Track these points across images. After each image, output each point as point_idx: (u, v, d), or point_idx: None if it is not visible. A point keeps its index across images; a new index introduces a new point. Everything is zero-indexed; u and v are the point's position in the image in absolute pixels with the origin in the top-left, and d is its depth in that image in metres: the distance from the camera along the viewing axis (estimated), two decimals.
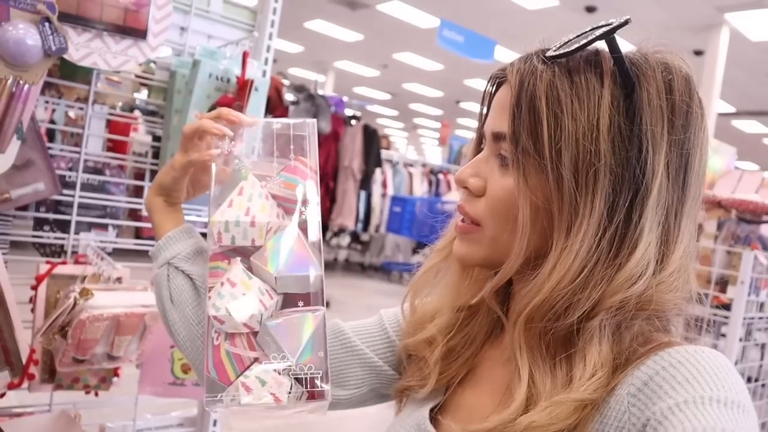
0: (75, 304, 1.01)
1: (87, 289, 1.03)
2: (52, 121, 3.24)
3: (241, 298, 0.63)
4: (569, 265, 0.54)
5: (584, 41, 0.56)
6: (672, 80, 0.56)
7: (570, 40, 0.59)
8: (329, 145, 5.85)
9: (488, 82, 0.67)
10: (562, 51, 0.57)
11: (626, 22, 0.55)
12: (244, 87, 1.21)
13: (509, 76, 0.60)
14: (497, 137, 0.61)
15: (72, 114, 1.67)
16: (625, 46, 0.58)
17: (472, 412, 0.65)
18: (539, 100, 0.55)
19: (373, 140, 6.34)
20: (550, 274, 0.55)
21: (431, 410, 0.68)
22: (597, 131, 0.54)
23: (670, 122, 0.56)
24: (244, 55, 1.22)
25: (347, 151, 6.19)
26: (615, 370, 0.54)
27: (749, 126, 12.22)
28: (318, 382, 0.63)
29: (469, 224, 0.63)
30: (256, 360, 0.63)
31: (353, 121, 6.36)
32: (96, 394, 1.28)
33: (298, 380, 0.63)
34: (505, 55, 9.25)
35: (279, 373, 0.63)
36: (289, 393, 0.62)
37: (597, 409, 0.52)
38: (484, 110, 0.67)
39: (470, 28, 7.52)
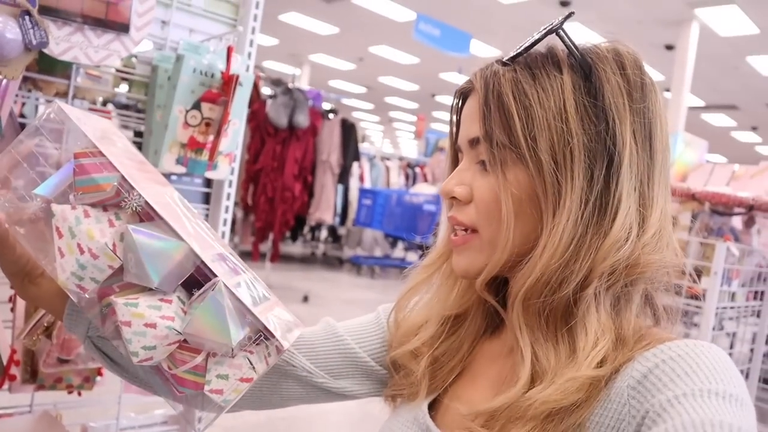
0: None
1: None
2: (22, 115, 3.13)
3: (147, 330, 0.57)
4: (558, 241, 0.57)
5: (536, 37, 0.61)
6: (622, 59, 0.61)
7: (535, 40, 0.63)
8: (307, 138, 5.81)
9: (454, 96, 0.69)
10: (513, 52, 0.62)
11: (569, 15, 0.60)
12: (229, 82, 1.19)
13: (474, 83, 0.62)
14: (473, 143, 0.63)
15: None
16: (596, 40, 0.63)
17: (473, 402, 0.65)
18: (506, 96, 0.59)
19: (351, 134, 6.31)
20: (542, 254, 0.57)
21: (428, 405, 0.69)
22: (565, 113, 0.58)
23: (629, 95, 0.59)
24: (229, 50, 1.20)
25: (325, 145, 6.15)
26: (619, 344, 0.56)
27: (718, 119, 12.50)
28: (267, 343, 0.61)
29: (465, 234, 0.64)
30: (209, 354, 0.60)
31: (331, 115, 6.32)
32: (79, 394, 1.26)
33: (251, 350, 0.61)
34: (481, 49, 9.30)
35: (232, 357, 0.60)
36: (252, 367, 0.61)
37: (605, 387, 0.54)
38: (454, 125, 0.69)
39: (446, 21, 7.53)
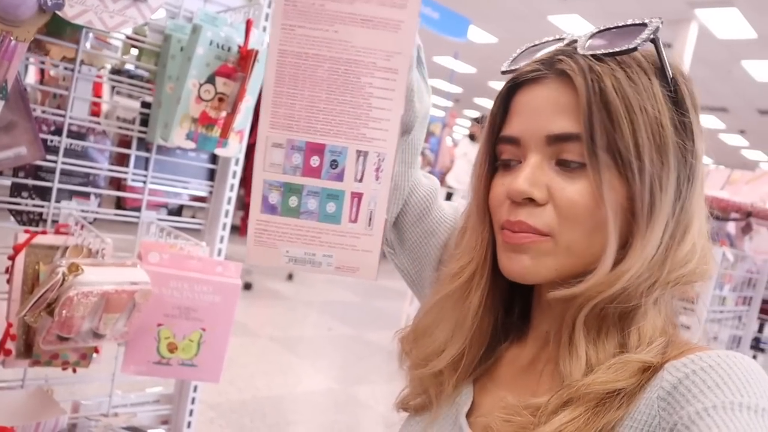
0: (63, 280, 0.95)
1: (76, 264, 0.97)
2: None
3: None
4: (649, 255, 0.56)
5: (638, 41, 0.56)
6: (683, 72, 0.61)
7: (596, 33, 0.59)
8: None
9: (508, 83, 0.63)
10: (616, 49, 0.57)
11: (661, 23, 0.58)
12: (247, 57, 1.14)
13: (573, 75, 0.57)
14: (557, 139, 0.58)
15: (53, 73, 1.57)
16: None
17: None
18: (610, 97, 0.55)
19: None
20: (631, 265, 0.55)
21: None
22: (662, 124, 0.56)
23: (695, 111, 0.60)
24: (248, 24, 1.15)
25: None
26: (669, 345, 0.56)
27: (707, 121, 12.58)
28: None
29: (532, 235, 0.58)
30: None
31: None
32: (74, 371, 1.22)
33: None
34: (478, 36, 9.22)
35: None
36: None
37: (655, 374, 0.53)
38: (498, 115, 0.64)
39: (445, 5, 7.45)
